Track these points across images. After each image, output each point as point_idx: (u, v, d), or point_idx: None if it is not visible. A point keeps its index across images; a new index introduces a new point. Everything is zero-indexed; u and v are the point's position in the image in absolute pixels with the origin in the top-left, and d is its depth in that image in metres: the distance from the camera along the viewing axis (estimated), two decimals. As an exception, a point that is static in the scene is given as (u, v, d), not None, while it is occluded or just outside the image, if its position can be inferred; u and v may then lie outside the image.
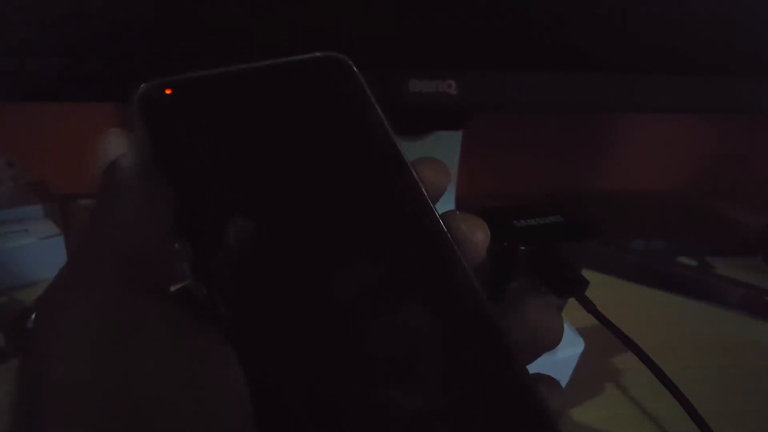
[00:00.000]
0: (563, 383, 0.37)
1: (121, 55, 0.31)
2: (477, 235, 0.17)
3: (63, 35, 0.31)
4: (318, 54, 0.18)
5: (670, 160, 0.72)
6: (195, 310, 0.14)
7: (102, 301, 0.14)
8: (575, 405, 0.39)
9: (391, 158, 0.17)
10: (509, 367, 0.15)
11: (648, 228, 0.60)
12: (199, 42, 0.32)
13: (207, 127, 0.17)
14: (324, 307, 0.15)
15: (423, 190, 0.17)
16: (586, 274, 0.32)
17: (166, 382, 0.13)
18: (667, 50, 0.37)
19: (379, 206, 0.17)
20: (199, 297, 0.15)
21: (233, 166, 0.16)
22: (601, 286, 0.35)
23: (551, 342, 0.16)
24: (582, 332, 0.35)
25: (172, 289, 0.16)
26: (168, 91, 0.17)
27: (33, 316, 0.14)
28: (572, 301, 0.32)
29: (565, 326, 0.36)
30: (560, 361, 0.35)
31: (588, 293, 0.32)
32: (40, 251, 0.44)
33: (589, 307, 0.32)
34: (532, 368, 0.15)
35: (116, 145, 0.17)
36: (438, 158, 0.18)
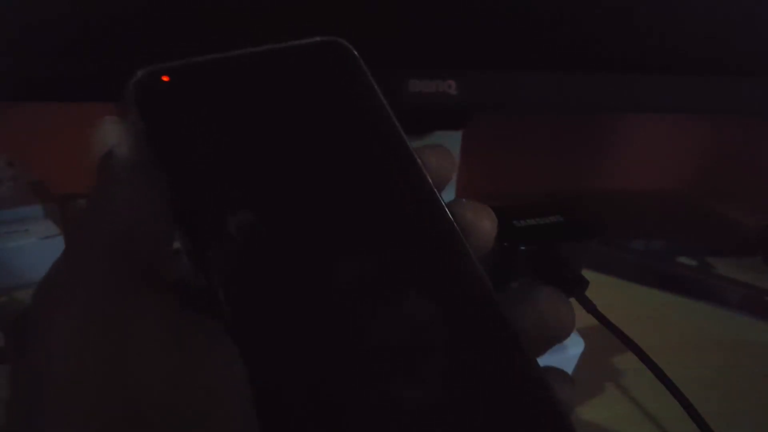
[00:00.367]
0: (563, 383, 0.37)
1: (121, 55, 0.31)
2: (484, 223, 0.16)
3: (62, 35, 0.31)
4: (318, 39, 0.18)
5: (670, 160, 0.72)
6: (194, 304, 0.14)
7: (98, 296, 0.13)
8: (575, 405, 0.39)
9: (395, 145, 0.17)
10: (518, 360, 0.14)
11: (648, 228, 0.60)
12: (199, 42, 0.32)
13: (205, 114, 0.16)
14: (327, 298, 0.14)
15: (428, 177, 0.17)
16: (586, 274, 0.32)
17: (165, 379, 0.13)
18: (667, 50, 0.37)
19: (383, 194, 0.16)
20: (198, 290, 0.14)
21: (233, 155, 0.16)
22: (601, 286, 0.35)
23: (562, 333, 0.16)
24: (582, 332, 0.35)
25: (170, 282, 0.16)
26: (165, 78, 0.16)
27: (28, 310, 0.14)
28: (572, 301, 0.32)
29: (565, 326, 0.36)
30: (560, 361, 0.35)
31: (588, 293, 0.32)
32: (40, 251, 0.44)
33: (589, 307, 0.32)
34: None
35: (112, 134, 0.16)
36: (443, 144, 0.18)
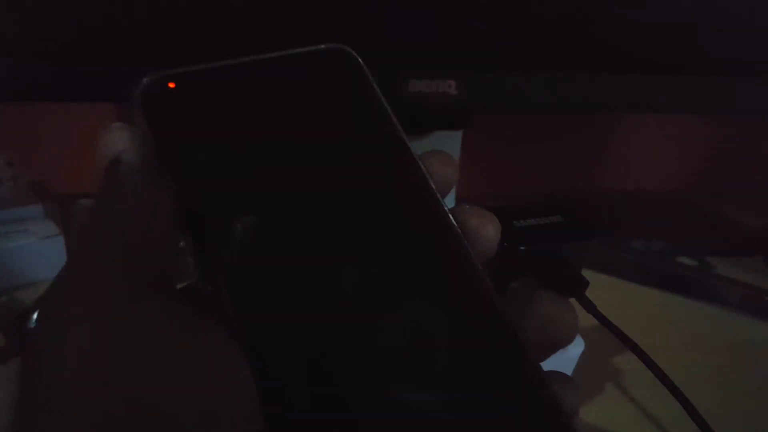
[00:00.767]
0: (563, 383, 0.37)
1: (120, 56, 0.31)
2: (487, 229, 0.16)
3: (63, 35, 0.31)
4: (323, 46, 0.18)
5: (670, 160, 0.72)
6: (200, 308, 0.14)
7: (105, 300, 0.14)
8: (579, 408, 0.39)
9: (399, 152, 0.17)
10: (522, 364, 0.15)
11: (648, 228, 0.60)
12: (199, 42, 0.32)
13: (211, 120, 0.16)
14: (332, 302, 0.14)
15: (431, 183, 0.17)
16: (586, 274, 0.32)
17: (172, 382, 0.13)
18: (668, 50, 0.37)
19: (387, 200, 0.16)
20: (204, 294, 0.14)
21: (239, 161, 0.16)
22: (601, 286, 0.35)
23: (566, 338, 0.16)
24: (582, 332, 0.35)
25: (178, 286, 0.16)
26: (171, 85, 0.16)
27: (35, 315, 0.14)
28: (572, 301, 0.32)
29: (565, 326, 0.36)
30: (560, 361, 0.35)
31: (588, 293, 0.32)
32: (40, 251, 0.44)
33: (589, 307, 0.32)
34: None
35: (118, 140, 0.16)
36: (446, 151, 0.18)
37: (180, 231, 0.15)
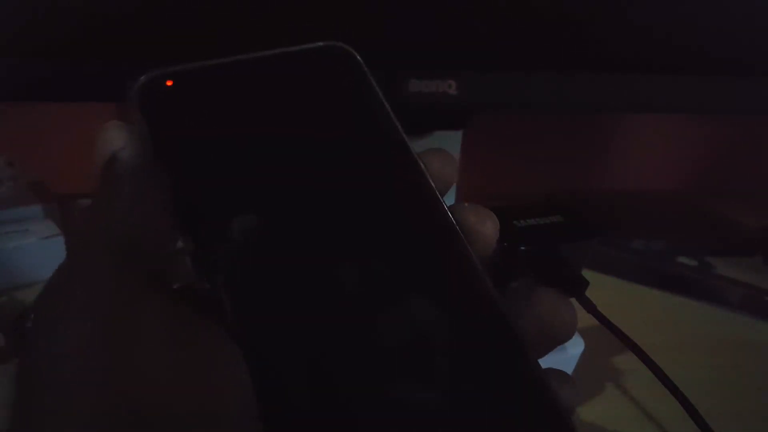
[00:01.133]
0: (563, 383, 0.37)
1: (120, 55, 0.31)
2: (486, 226, 0.16)
3: (63, 35, 0.31)
4: (321, 44, 0.18)
5: (670, 160, 0.72)
6: (198, 307, 0.14)
7: (102, 298, 0.14)
8: (577, 406, 0.39)
9: (398, 150, 0.17)
10: (521, 362, 0.15)
11: (648, 228, 0.60)
12: (199, 42, 0.32)
13: (209, 118, 0.16)
14: (331, 300, 0.14)
15: (431, 181, 0.17)
16: (586, 274, 0.32)
17: (169, 381, 0.13)
18: (667, 50, 0.37)
19: (387, 198, 0.16)
20: (201, 292, 0.14)
21: (236, 158, 0.16)
22: (601, 286, 0.35)
23: (565, 334, 0.16)
24: (582, 332, 0.35)
25: (175, 286, 0.16)
26: (169, 83, 0.16)
27: (33, 314, 0.14)
28: (572, 301, 0.32)
29: (565, 326, 0.36)
30: (560, 361, 0.35)
31: (588, 293, 0.32)
32: (40, 251, 0.44)
33: (589, 307, 0.32)
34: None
35: (116, 138, 0.16)
36: (445, 149, 0.18)
37: (177, 229, 0.15)
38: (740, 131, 0.71)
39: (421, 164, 0.17)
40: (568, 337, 0.16)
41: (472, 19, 0.34)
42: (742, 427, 0.37)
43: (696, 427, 0.31)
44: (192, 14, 0.31)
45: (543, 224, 0.32)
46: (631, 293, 0.52)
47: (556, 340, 0.16)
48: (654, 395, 0.37)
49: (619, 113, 0.68)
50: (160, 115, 0.16)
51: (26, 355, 0.13)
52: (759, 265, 0.58)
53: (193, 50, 0.31)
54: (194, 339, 0.14)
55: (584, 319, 0.32)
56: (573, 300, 0.32)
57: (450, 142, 0.43)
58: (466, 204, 0.17)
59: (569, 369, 0.36)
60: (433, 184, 0.17)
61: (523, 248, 0.31)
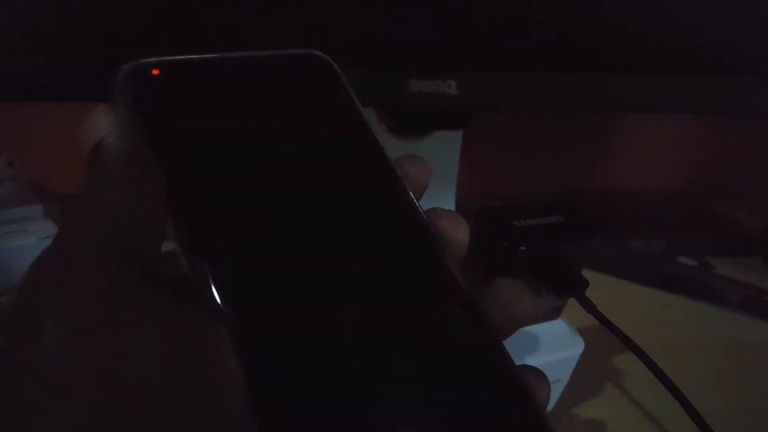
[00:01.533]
0: (563, 383, 0.37)
1: (120, 55, 0.31)
2: (458, 231, 0.17)
3: (63, 35, 0.31)
4: (299, 51, 0.19)
5: (670, 160, 0.72)
6: (189, 298, 0.14)
7: (92, 292, 0.13)
8: (575, 405, 0.39)
9: (375, 156, 0.18)
10: (494, 360, 0.15)
11: (648, 228, 0.60)
12: (200, 42, 0.32)
13: (193, 109, 0.17)
14: (319, 297, 0.15)
15: (407, 186, 0.17)
16: (586, 274, 0.32)
17: (161, 377, 0.13)
18: (667, 50, 0.37)
19: (364, 203, 0.17)
20: (192, 283, 0.14)
21: (220, 149, 0.16)
22: (601, 286, 0.35)
23: (524, 316, 0.17)
24: (582, 332, 0.35)
25: (166, 276, 0.15)
26: (155, 72, 0.17)
27: (18, 306, 0.14)
28: (572, 301, 0.32)
29: (565, 326, 0.36)
30: (560, 361, 0.35)
31: (588, 293, 0.32)
32: (40, 251, 0.43)
33: (589, 307, 0.32)
34: (538, 365, 0.16)
35: (102, 124, 0.16)
36: (419, 155, 0.19)
37: (166, 215, 0.15)
38: (740, 131, 0.71)
39: (397, 170, 0.18)
40: (529, 319, 0.17)
41: (472, 19, 0.34)
42: (742, 427, 0.37)
43: (696, 427, 0.31)
44: (193, 13, 0.31)
45: (543, 224, 0.32)
46: (631, 293, 0.52)
47: (518, 322, 0.17)
48: (654, 395, 0.37)
49: (619, 113, 0.68)
50: (148, 101, 0.16)
51: (8, 347, 0.13)
52: (759, 265, 0.58)
53: (193, 49, 0.31)
54: (187, 334, 0.14)
55: (584, 319, 0.32)
56: (573, 300, 0.32)
57: (450, 142, 0.43)
58: (439, 209, 0.18)
59: (569, 369, 0.36)
60: (408, 189, 0.17)
61: (523, 248, 0.31)
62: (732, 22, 0.36)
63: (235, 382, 0.13)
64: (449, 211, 0.18)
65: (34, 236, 0.44)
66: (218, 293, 0.14)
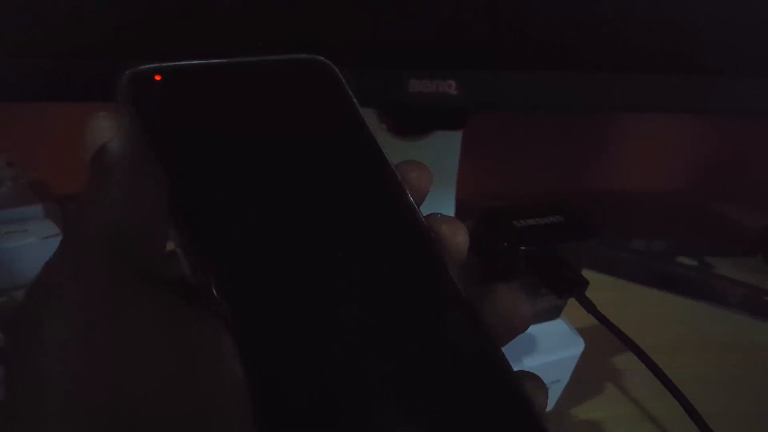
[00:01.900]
0: (563, 383, 0.37)
1: (120, 55, 0.31)
2: (458, 237, 0.18)
3: (63, 35, 0.31)
4: (302, 56, 0.19)
5: (670, 160, 0.72)
6: (190, 300, 0.14)
7: (93, 294, 0.13)
8: (575, 405, 0.39)
9: (376, 162, 0.18)
10: (493, 365, 0.15)
11: (648, 228, 0.60)
12: (200, 41, 0.32)
13: (195, 114, 0.17)
14: (320, 298, 0.15)
15: (407, 192, 0.18)
16: (586, 274, 0.32)
17: (162, 378, 0.13)
18: (667, 50, 0.37)
19: (365, 208, 0.17)
20: (193, 284, 0.14)
21: (222, 153, 0.16)
22: (601, 286, 0.35)
23: (523, 325, 0.17)
24: (582, 332, 0.35)
25: (168, 278, 0.16)
26: (158, 77, 0.17)
27: (22, 309, 0.14)
28: (572, 301, 0.32)
29: (565, 326, 0.36)
30: (560, 361, 0.35)
31: (588, 293, 0.32)
32: (40, 251, 0.44)
33: (589, 307, 0.32)
34: (535, 367, 0.15)
35: (104, 129, 0.16)
36: (420, 162, 0.19)
37: (168, 220, 0.15)
38: (740, 131, 0.71)
39: (398, 175, 0.18)
40: (526, 326, 0.17)
41: (472, 19, 0.34)
42: (742, 427, 0.37)
43: (696, 427, 0.31)
44: (194, 13, 0.31)
45: (543, 224, 0.32)
46: (631, 293, 0.52)
47: (516, 329, 0.17)
48: (654, 395, 0.37)
49: (619, 113, 0.68)
50: (151, 107, 0.16)
51: (17, 353, 0.13)
52: (759, 265, 0.58)
53: (194, 49, 0.31)
54: (188, 335, 0.14)
55: (584, 319, 0.32)
56: (573, 300, 0.32)
57: (450, 142, 0.43)
58: (439, 215, 0.18)
59: (569, 369, 0.36)
60: (409, 194, 0.18)
61: (523, 248, 0.31)
62: (732, 21, 0.36)
63: (235, 382, 0.13)
64: (449, 216, 0.18)
65: (34, 236, 0.44)
66: (220, 295, 0.14)
